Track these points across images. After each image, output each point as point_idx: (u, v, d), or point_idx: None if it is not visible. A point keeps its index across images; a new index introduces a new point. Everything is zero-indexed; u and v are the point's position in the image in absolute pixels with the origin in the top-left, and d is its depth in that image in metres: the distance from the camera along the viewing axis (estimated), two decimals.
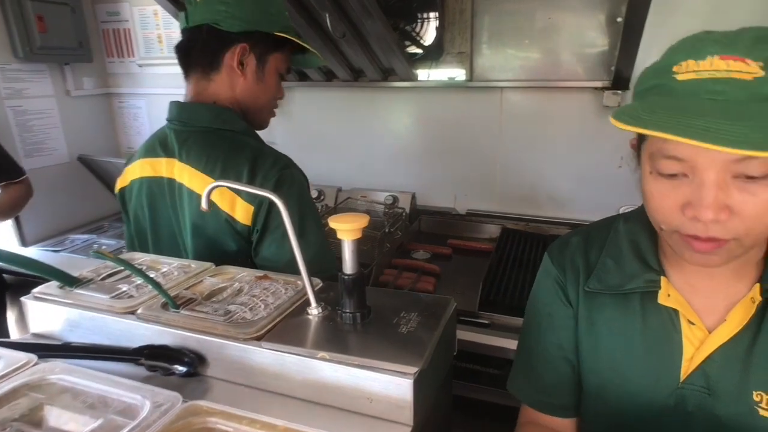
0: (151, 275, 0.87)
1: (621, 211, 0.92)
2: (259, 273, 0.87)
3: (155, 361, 0.71)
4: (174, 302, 0.76)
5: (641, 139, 0.69)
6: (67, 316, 0.80)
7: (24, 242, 2.10)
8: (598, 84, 1.74)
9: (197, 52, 1.08)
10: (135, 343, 0.74)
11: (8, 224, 2.05)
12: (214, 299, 0.80)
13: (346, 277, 0.71)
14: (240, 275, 0.87)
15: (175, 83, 1.14)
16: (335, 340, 0.68)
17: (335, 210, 2.01)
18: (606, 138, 1.73)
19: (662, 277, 0.74)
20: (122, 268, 0.86)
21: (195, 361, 0.71)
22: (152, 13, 2.21)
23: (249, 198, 1.01)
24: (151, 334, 0.74)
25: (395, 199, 2.00)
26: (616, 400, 0.78)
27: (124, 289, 0.83)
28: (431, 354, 0.65)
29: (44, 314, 0.82)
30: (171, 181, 1.07)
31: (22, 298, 0.83)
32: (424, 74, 1.89)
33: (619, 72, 1.66)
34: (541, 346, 0.85)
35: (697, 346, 0.71)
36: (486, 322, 1.37)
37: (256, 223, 1.02)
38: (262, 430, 0.54)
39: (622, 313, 0.77)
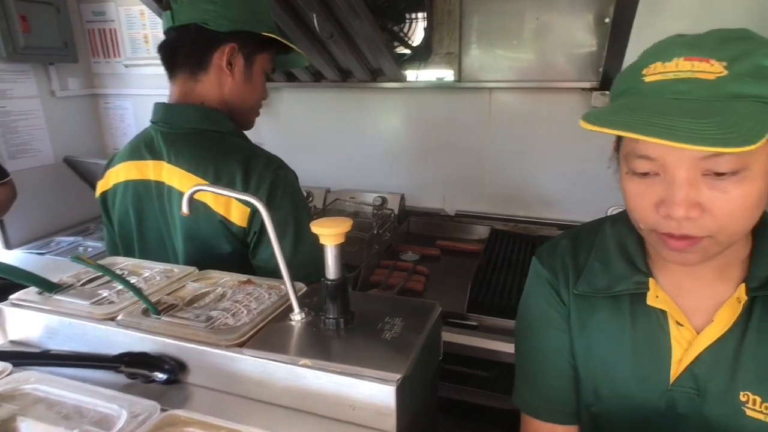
0: (133, 280, 0.86)
1: (609, 211, 0.93)
2: (243, 278, 0.86)
3: (135, 368, 0.70)
4: (155, 308, 0.75)
5: (619, 141, 0.69)
6: (45, 322, 0.78)
7: (8, 245, 2.07)
8: (587, 85, 1.75)
9: (184, 51, 1.06)
10: (115, 350, 0.73)
11: None
12: (196, 305, 0.79)
13: (329, 282, 0.70)
14: (223, 280, 0.86)
15: (161, 84, 1.13)
16: (318, 346, 0.67)
17: (324, 211, 2.00)
18: (594, 139, 1.70)
19: (650, 279, 0.74)
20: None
21: (176, 368, 0.70)
22: (138, 13, 2.19)
23: (242, 199, 0.99)
24: (131, 341, 0.73)
25: (384, 200, 1.99)
26: (609, 403, 0.78)
27: (105, 294, 0.82)
28: (415, 360, 0.64)
29: (22, 321, 0.80)
30: (159, 184, 1.05)
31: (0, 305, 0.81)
32: (412, 75, 1.89)
33: (607, 73, 1.66)
34: (540, 354, 0.84)
35: (685, 348, 0.72)
36: (474, 323, 1.37)
37: (252, 225, 1.01)
38: None
39: (612, 315, 0.77)
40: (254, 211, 0.99)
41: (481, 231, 1.92)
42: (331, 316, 0.71)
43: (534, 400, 0.85)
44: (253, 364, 0.66)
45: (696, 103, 0.57)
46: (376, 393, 0.60)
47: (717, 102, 0.57)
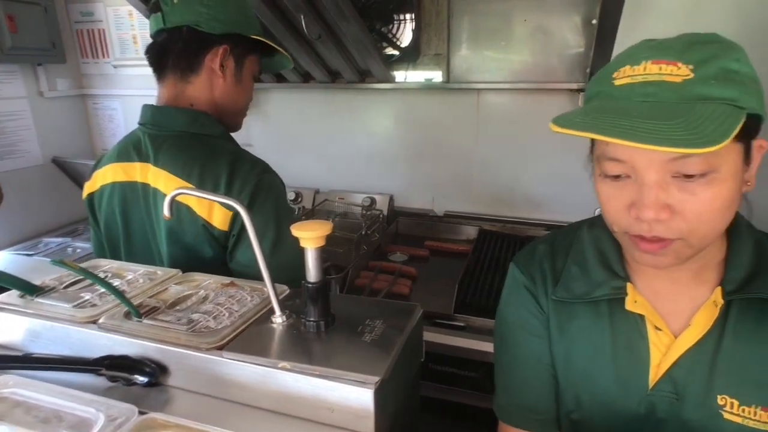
0: (116, 283, 0.86)
1: (596, 212, 0.93)
2: (226, 280, 0.86)
3: (116, 371, 0.70)
4: (137, 311, 0.75)
5: (593, 144, 0.70)
6: (27, 326, 0.78)
7: None
8: (574, 86, 1.75)
9: (176, 53, 1.05)
10: (96, 354, 0.73)
11: None
12: (178, 307, 0.79)
13: (310, 285, 0.70)
14: (206, 282, 0.86)
15: (150, 85, 1.12)
16: (298, 349, 0.68)
17: (313, 212, 2.00)
18: (582, 140, 1.72)
19: (628, 284, 0.74)
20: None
21: (156, 371, 0.70)
22: (127, 14, 2.18)
23: (227, 203, 0.99)
24: (112, 344, 0.73)
25: (373, 200, 2.00)
26: (589, 409, 0.78)
27: (87, 297, 0.82)
28: (394, 362, 0.65)
29: (3, 324, 0.80)
30: (145, 186, 1.05)
31: None
32: (401, 76, 1.89)
33: (594, 74, 1.67)
34: (519, 361, 0.83)
35: (664, 352, 0.72)
36: (462, 324, 1.37)
37: (233, 228, 1.01)
38: None
39: (591, 321, 0.77)
40: (236, 214, 0.99)
41: (470, 231, 1.92)
42: (311, 319, 0.71)
43: (512, 408, 0.85)
44: (232, 367, 0.66)
45: (662, 105, 0.58)
46: (354, 396, 0.61)
47: (683, 104, 0.57)
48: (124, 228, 1.11)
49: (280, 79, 1.99)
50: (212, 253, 1.02)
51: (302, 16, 1.52)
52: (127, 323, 0.74)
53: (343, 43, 1.69)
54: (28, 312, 0.79)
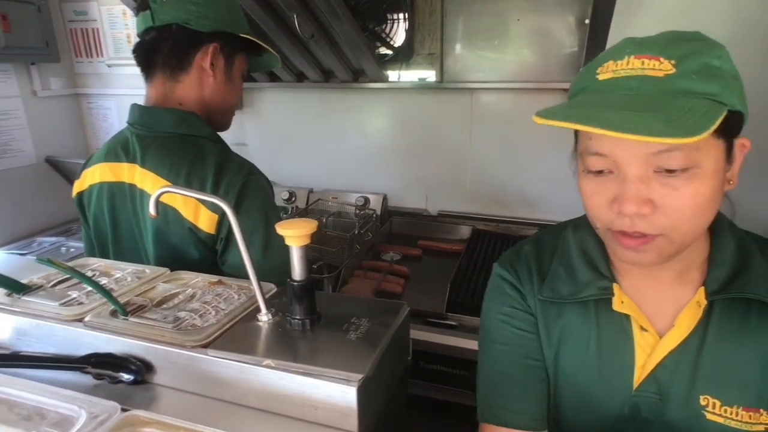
0: (104, 281, 0.86)
1: None
2: (213, 278, 0.86)
3: (101, 369, 0.70)
4: (123, 309, 0.75)
5: (576, 141, 0.70)
6: (14, 324, 0.79)
7: None
8: (567, 85, 1.75)
9: (165, 52, 1.05)
10: (82, 351, 0.73)
11: None
12: (165, 306, 0.79)
13: (295, 283, 0.70)
14: (194, 281, 0.86)
15: (144, 84, 1.12)
16: (283, 347, 0.68)
17: (306, 211, 2.00)
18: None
19: (614, 284, 0.74)
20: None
21: (141, 369, 0.70)
22: (121, 13, 2.17)
23: (213, 207, 0.99)
24: (98, 342, 0.73)
25: (366, 200, 2.00)
26: (574, 409, 0.78)
27: (74, 295, 0.82)
28: (378, 360, 0.65)
29: None
30: (132, 187, 1.05)
31: None
32: (394, 75, 1.89)
33: None
34: (507, 358, 0.80)
35: (648, 353, 0.71)
36: (453, 323, 1.38)
37: (220, 231, 1.00)
38: None
39: (579, 321, 0.76)
40: (222, 218, 0.99)
41: (463, 231, 1.93)
42: (297, 317, 0.71)
43: (496, 408, 0.80)
44: (217, 365, 0.67)
45: (644, 98, 0.58)
46: (337, 393, 0.61)
47: (664, 97, 0.58)
48: (112, 228, 1.11)
49: (273, 78, 1.99)
50: (198, 256, 1.02)
51: (295, 16, 1.52)
52: (113, 321, 0.74)
53: (336, 42, 1.69)
54: (15, 310, 0.79)
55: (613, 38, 1.52)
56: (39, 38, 2.12)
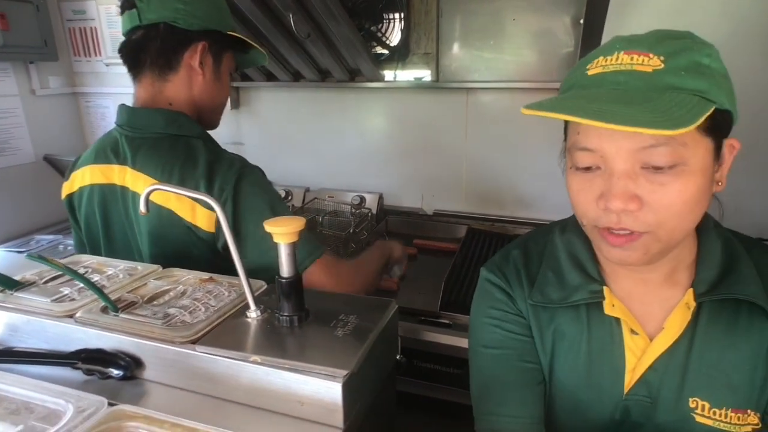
0: (96, 278, 0.87)
1: None
2: (204, 276, 0.87)
3: (91, 364, 0.71)
4: (114, 305, 0.76)
5: (565, 137, 0.70)
6: (5, 320, 0.79)
7: None
8: None
9: (153, 51, 1.04)
10: (72, 347, 0.74)
11: None
12: (155, 302, 0.80)
13: (283, 280, 0.71)
14: (185, 278, 0.87)
15: None
16: (270, 343, 0.68)
17: (302, 210, 2.01)
18: None
19: (605, 288, 0.73)
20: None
21: (131, 364, 0.71)
22: (118, 12, 2.18)
23: (210, 204, 0.97)
24: (88, 338, 0.74)
25: (362, 199, 2.00)
26: (566, 415, 0.78)
27: (66, 292, 0.82)
28: (364, 357, 0.65)
29: None
30: (124, 189, 1.05)
31: None
32: (390, 75, 1.90)
33: None
34: (500, 362, 0.79)
35: (639, 356, 0.72)
36: (447, 322, 1.38)
37: (221, 229, 0.97)
38: None
39: (570, 326, 0.76)
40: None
41: (459, 230, 1.93)
42: (285, 314, 0.72)
43: (492, 416, 0.79)
44: (205, 361, 0.67)
45: (632, 93, 0.58)
46: (323, 389, 0.62)
47: (652, 92, 0.58)
48: (104, 229, 1.11)
49: (270, 77, 1.99)
50: (198, 255, 1.01)
51: (291, 15, 1.53)
52: (104, 317, 0.75)
53: (332, 42, 1.70)
54: (7, 306, 0.79)
55: (607, 38, 1.51)
56: (37, 37, 2.13)
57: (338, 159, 2.13)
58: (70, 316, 0.76)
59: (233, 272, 0.97)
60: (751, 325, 0.69)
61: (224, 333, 0.71)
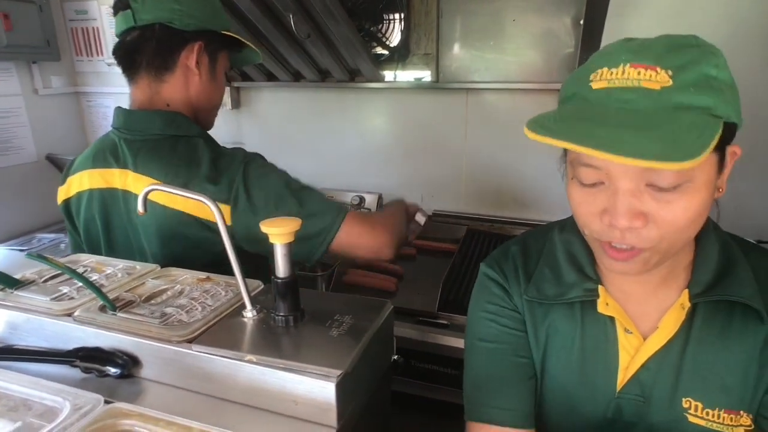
0: (95, 277, 0.87)
1: None
2: (201, 275, 0.88)
3: (89, 363, 0.72)
4: (112, 304, 0.77)
5: None
6: (6, 318, 0.80)
7: None
8: None
9: (149, 52, 1.03)
10: (71, 345, 0.74)
11: None
12: (153, 301, 0.81)
13: (279, 280, 0.72)
14: (182, 277, 0.88)
15: None
16: (265, 342, 0.69)
17: None
18: None
19: (600, 286, 0.74)
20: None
21: (128, 363, 0.71)
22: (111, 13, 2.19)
23: (222, 198, 0.97)
24: (86, 337, 0.75)
25: (362, 199, 2.01)
26: (558, 412, 0.79)
27: (65, 291, 0.83)
28: (358, 357, 0.66)
29: None
30: (126, 193, 1.04)
31: None
32: (390, 75, 1.90)
33: None
34: (493, 355, 0.80)
35: (632, 355, 0.72)
36: (445, 322, 1.39)
37: (236, 222, 0.98)
38: None
39: (564, 322, 0.77)
40: (234, 207, 0.97)
41: (458, 231, 1.93)
42: (281, 314, 0.73)
43: (482, 406, 0.80)
44: (201, 360, 0.68)
45: (640, 114, 0.57)
46: (317, 388, 0.62)
47: (660, 113, 0.56)
48: (104, 234, 1.09)
49: (270, 77, 2.00)
50: (217, 251, 0.96)
51: (291, 16, 1.53)
52: (102, 316, 0.76)
53: (332, 42, 1.70)
54: (7, 305, 0.80)
55: (607, 39, 1.52)
56: (40, 37, 2.14)
57: (338, 159, 2.14)
58: (69, 315, 0.77)
59: (257, 263, 0.99)
60: (745, 327, 0.69)
61: (220, 332, 0.72)
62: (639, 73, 0.58)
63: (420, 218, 1.35)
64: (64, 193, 1.15)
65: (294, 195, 1.00)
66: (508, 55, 1.80)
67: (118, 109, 1.08)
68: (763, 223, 1.61)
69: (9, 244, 2.09)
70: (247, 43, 1.17)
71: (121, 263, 0.93)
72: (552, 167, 0.63)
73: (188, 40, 1.04)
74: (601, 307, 0.73)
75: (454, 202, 2.02)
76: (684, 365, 0.70)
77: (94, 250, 1.13)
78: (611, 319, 0.73)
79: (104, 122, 2.40)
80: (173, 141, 1.04)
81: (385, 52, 1.85)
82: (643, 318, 0.73)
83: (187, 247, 1.02)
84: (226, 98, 2.12)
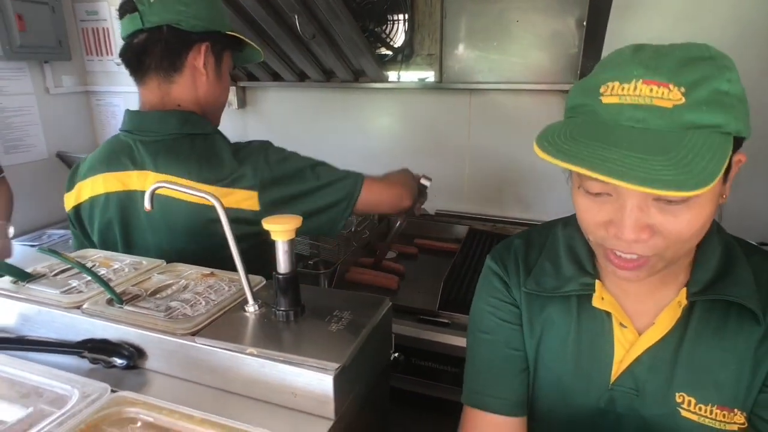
0: (102, 272, 0.90)
1: None
2: (206, 271, 0.90)
3: (96, 354, 0.75)
4: (119, 298, 0.79)
5: None
6: (18, 310, 0.83)
7: None
8: (566, 87, 1.77)
9: (157, 54, 1.05)
10: (80, 337, 0.77)
11: None
12: (158, 295, 0.83)
13: (280, 276, 0.74)
14: (187, 273, 0.90)
15: None
16: (266, 336, 0.72)
17: None
18: None
19: (597, 281, 0.75)
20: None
21: (134, 354, 0.74)
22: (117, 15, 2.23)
23: (247, 184, 1.01)
24: (94, 329, 0.77)
25: None
26: (552, 402, 0.81)
27: (75, 284, 0.86)
28: (356, 351, 0.68)
29: None
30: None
31: None
32: (394, 76, 1.92)
33: (585, 75, 1.68)
34: (489, 346, 0.84)
35: (627, 349, 0.74)
36: (446, 321, 1.40)
37: (263, 205, 1.02)
38: (180, 420, 0.57)
39: (560, 315, 0.78)
40: (262, 191, 1.01)
41: (461, 231, 1.95)
42: (281, 309, 0.75)
43: (477, 393, 0.84)
44: (204, 352, 0.70)
45: (651, 135, 0.56)
46: (315, 381, 0.64)
47: (672, 133, 0.56)
48: (123, 237, 1.09)
49: (276, 77, 2.03)
50: (247, 242, 0.98)
51: (296, 16, 1.56)
52: (109, 309, 0.78)
53: (336, 43, 1.73)
54: (20, 297, 0.83)
55: (609, 40, 1.53)
56: (52, 37, 2.19)
57: (342, 158, 2.12)
58: (78, 308, 0.79)
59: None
60: (741, 327, 0.70)
61: (223, 326, 0.74)
62: (651, 90, 0.57)
63: (425, 181, 1.41)
64: (73, 198, 1.14)
65: (312, 169, 1.10)
66: (511, 55, 1.81)
67: (129, 111, 1.10)
68: (767, 225, 1.62)
69: (20, 239, 2.13)
70: (249, 42, 1.19)
71: (128, 258, 0.96)
72: (554, 168, 0.64)
73: (195, 41, 1.06)
74: (596, 302, 0.75)
75: (456, 201, 2.04)
76: (678, 361, 0.71)
77: None
78: (608, 313, 0.75)
79: (113, 121, 2.44)
80: (190, 139, 1.05)
81: (389, 52, 1.87)
82: (640, 314, 0.74)
83: (214, 243, 0.98)
84: (232, 97, 2.16)
